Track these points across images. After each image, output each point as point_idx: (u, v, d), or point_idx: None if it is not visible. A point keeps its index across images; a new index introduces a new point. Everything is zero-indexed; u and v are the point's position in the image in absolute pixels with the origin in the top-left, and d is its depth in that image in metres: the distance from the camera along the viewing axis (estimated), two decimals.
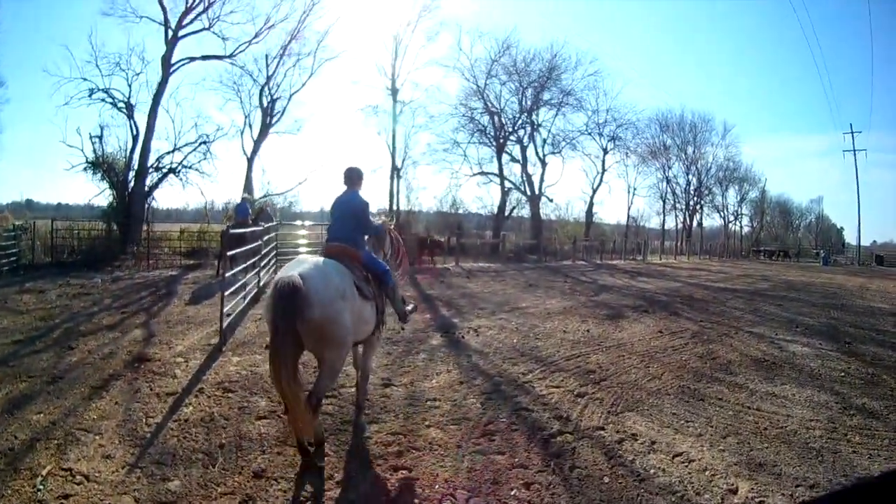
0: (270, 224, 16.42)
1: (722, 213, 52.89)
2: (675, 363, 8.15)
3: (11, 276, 15.79)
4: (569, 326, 10.58)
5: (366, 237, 5.57)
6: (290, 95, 29.38)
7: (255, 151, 28.74)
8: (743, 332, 10.81)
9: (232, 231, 11.57)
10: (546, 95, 36.35)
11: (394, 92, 31.53)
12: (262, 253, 13.66)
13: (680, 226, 49.69)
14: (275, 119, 29.22)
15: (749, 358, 8.61)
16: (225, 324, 8.64)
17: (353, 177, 5.63)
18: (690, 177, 48.66)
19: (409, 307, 6.03)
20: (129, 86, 25.13)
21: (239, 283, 10.95)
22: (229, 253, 14.28)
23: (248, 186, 28.05)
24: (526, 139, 36.96)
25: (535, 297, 14.68)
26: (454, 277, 19.26)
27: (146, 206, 25.46)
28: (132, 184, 24.55)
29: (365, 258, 5.31)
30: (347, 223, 5.36)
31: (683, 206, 49.58)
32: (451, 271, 21.69)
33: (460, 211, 37.60)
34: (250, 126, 28.91)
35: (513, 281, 18.66)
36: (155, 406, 5.66)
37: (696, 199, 49.76)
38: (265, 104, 28.81)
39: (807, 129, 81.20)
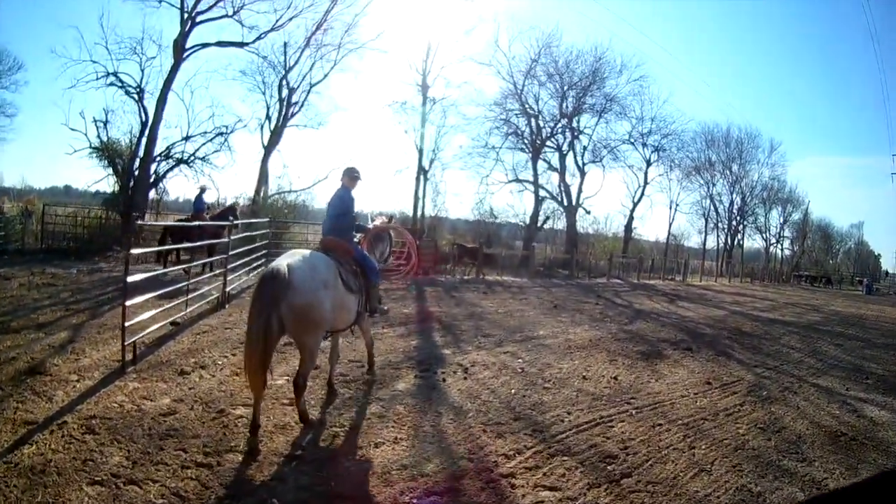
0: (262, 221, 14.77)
1: (764, 235, 49.48)
2: (729, 440, 5.77)
3: None
4: (591, 369, 8.14)
5: (357, 235, 6.17)
6: (310, 86, 27.53)
7: (270, 144, 26.91)
8: (807, 384, 8.61)
9: (173, 224, 10.20)
10: (589, 100, 33.67)
11: (424, 88, 29.18)
12: (231, 254, 11.76)
13: (721, 246, 46.51)
14: (293, 111, 27.45)
15: (822, 430, 6.43)
16: (137, 337, 7.09)
17: (346, 175, 6.05)
18: (734, 195, 45.44)
19: (384, 307, 6.59)
20: (142, 70, 24.03)
21: (175, 287, 9.36)
22: (163, 248, 13.17)
23: (262, 181, 26.61)
24: (565, 146, 34.25)
25: (558, 322, 12.23)
26: (470, 292, 16.77)
27: (153, 195, 24.76)
28: (137, 172, 23.35)
29: (357, 254, 5.85)
30: (340, 220, 5.84)
31: (726, 226, 46.31)
32: (470, 284, 19.13)
33: (495, 219, 35.01)
34: (269, 119, 27.26)
35: (536, 300, 16.16)
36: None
37: (738, 218, 46.46)
38: (283, 95, 27.05)
39: (850, 151, 76.40)
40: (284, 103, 27.03)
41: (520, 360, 8.30)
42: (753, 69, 72.90)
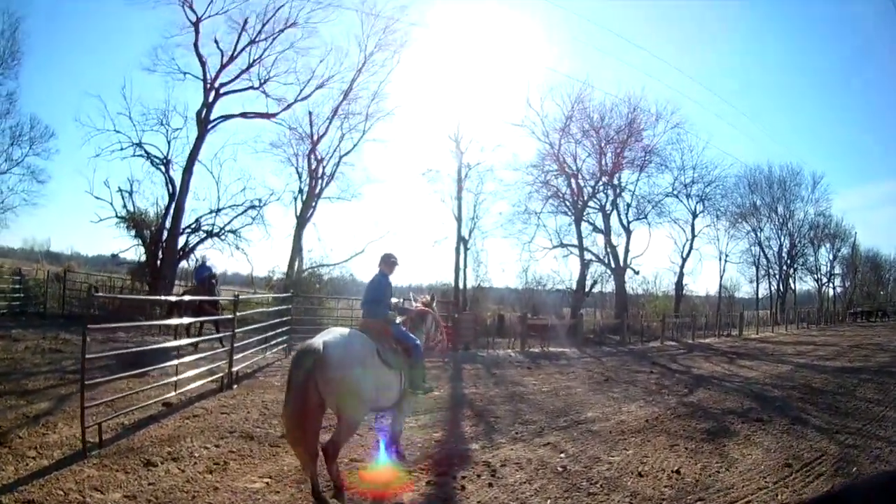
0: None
1: (815, 275, 45.98)
2: None
3: (3, 322, 15.54)
4: (648, 460, 6.66)
5: (401, 316, 6.38)
6: (340, 158, 26.94)
7: (302, 217, 26.38)
8: None
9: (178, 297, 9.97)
10: (628, 154, 32.18)
11: (458, 155, 28.37)
12: (242, 330, 11.26)
13: (773, 292, 43.57)
14: (325, 183, 27.01)
15: None
16: (111, 417, 6.67)
17: (383, 261, 6.28)
18: (783, 238, 42.67)
19: (426, 385, 6.34)
20: (169, 142, 24.00)
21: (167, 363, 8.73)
22: (177, 321, 12.37)
23: (294, 255, 26.04)
24: (608, 205, 32.68)
25: (609, 399, 10.71)
26: (513, 367, 15.27)
27: (185, 266, 24.73)
28: (164, 244, 23.25)
29: (395, 332, 5.95)
30: (376, 304, 5.99)
31: (777, 271, 43.42)
32: (513, 359, 17.49)
33: (543, 287, 33.13)
34: (301, 192, 26.78)
35: (585, 372, 14.60)
36: None
37: (788, 262, 43.52)
38: (313, 167, 26.60)
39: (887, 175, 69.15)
40: (315, 175, 26.63)
41: (562, 455, 6.84)
42: (786, 98, 68.91)
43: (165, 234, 23.36)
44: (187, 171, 23.24)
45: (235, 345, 10.22)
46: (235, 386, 9.78)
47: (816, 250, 45.18)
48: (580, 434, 7.92)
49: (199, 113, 23.31)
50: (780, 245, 42.96)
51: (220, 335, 12.38)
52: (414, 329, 6.40)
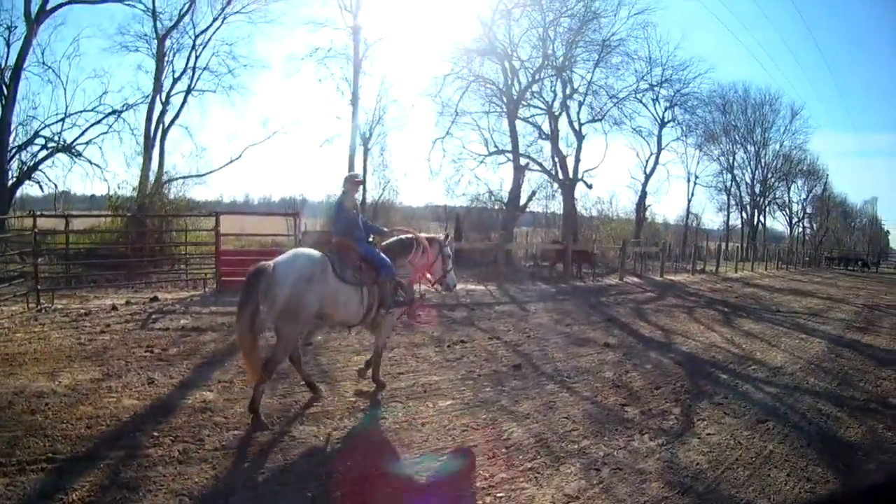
0: None
1: (785, 212, 42.07)
2: None
3: None
4: None
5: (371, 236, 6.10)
6: (194, 39, 21.46)
7: (151, 118, 21.10)
8: None
9: None
10: (581, 52, 24.97)
11: (355, 29, 21.39)
12: None
13: (743, 226, 39.34)
14: (189, 75, 21.82)
15: None
16: None
17: (346, 180, 6.10)
18: (755, 166, 37.99)
19: (400, 298, 6.07)
20: (8, 46, 19.70)
21: None
22: None
23: (146, 167, 20.71)
24: (556, 106, 25.33)
25: (494, 448, 4.55)
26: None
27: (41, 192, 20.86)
28: None
29: (361, 250, 5.67)
30: (341, 221, 5.74)
31: (749, 202, 38.71)
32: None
33: (483, 203, 26.28)
34: (161, 89, 21.53)
35: (487, 341, 8.27)
36: None
37: (761, 194, 38.94)
38: (165, 51, 21.12)
39: (869, 126, 68.22)
40: (166, 64, 21.36)
41: None
42: (778, 21, 63.17)
43: None
44: (14, 77, 19.35)
45: None
46: None
47: (789, 186, 41.36)
48: None
49: (27, 4, 18.94)
50: (753, 175, 38.32)
51: None
52: (392, 258, 5.86)
